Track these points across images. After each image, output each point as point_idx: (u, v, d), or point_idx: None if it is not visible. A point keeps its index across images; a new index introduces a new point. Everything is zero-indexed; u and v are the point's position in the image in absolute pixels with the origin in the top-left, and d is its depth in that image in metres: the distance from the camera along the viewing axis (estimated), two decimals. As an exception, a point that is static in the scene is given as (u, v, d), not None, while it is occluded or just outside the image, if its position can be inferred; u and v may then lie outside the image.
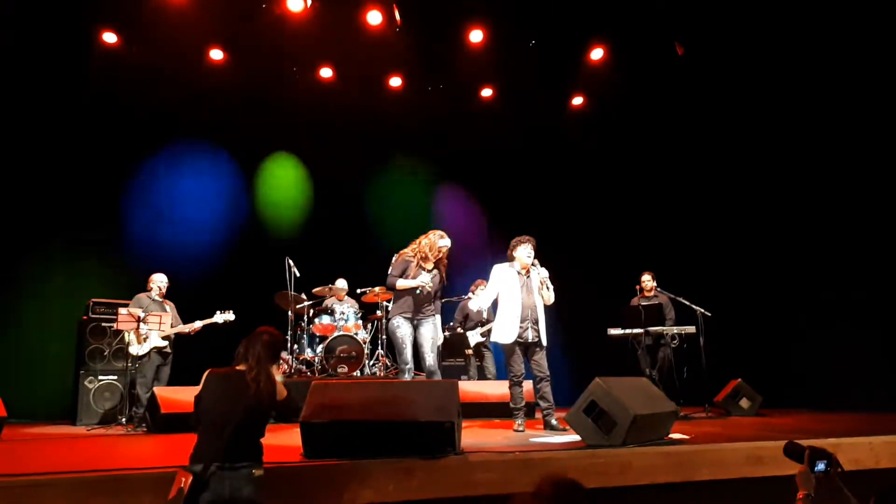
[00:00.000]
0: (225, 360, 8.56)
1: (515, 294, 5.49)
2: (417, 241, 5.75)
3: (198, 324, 6.97)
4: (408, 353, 5.45)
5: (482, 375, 8.07)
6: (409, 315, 5.52)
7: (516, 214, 10.34)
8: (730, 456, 3.92)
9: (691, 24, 8.64)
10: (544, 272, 5.51)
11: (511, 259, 5.61)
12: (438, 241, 5.67)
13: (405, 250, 5.74)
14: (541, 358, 5.45)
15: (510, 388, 5.54)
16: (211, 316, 7.04)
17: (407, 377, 5.43)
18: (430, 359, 5.54)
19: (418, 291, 5.51)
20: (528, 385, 5.72)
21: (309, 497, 3.27)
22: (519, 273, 5.56)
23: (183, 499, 2.63)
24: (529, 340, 5.44)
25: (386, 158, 10.45)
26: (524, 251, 5.53)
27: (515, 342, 5.43)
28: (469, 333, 8.09)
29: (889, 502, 1.84)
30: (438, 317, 5.75)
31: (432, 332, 5.61)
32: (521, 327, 5.42)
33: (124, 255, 8.63)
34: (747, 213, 8.71)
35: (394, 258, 5.79)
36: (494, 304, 5.76)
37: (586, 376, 4.28)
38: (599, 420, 3.99)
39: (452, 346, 8.26)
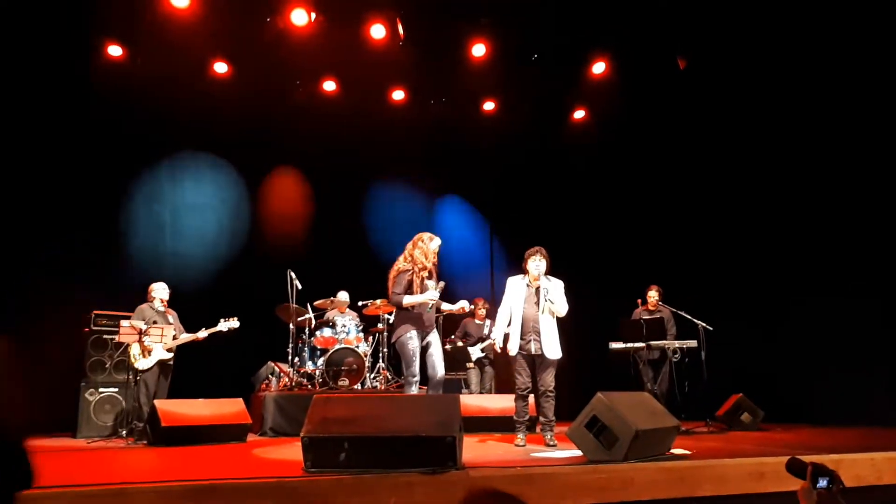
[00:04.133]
0: (224, 372, 8.60)
1: (520, 306, 5.50)
2: (408, 251, 5.62)
3: (202, 333, 6.97)
4: (416, 365, 5.42)
5: (482, 390, 8.08)
6: (418, 327, 5.48)
7: (518, 228, 10.37)
8: (732, 471, 3.91)
9: (693, 38, 8.69)
10: (550, 285, 5.52)
11: (525, 271, 5.63)
12: (430, 244, 5.59)
13: (399, 265, 5.60)
14: (547, 373, 5.43)
15: (514, 400, 5.55)
16: (215, 324, 7.05)
17: (413, 389, 5.42)
18: (442, 370, 5.55)
19: (430, 308, 5.49)
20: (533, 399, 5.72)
21: (310, 511, 3.26)
22: (528, 285, 5.57)
23: None
24: (533, 352, 5.42)
25: (388, 171, 10.48)
26: (532, 263, 5.53)
27: (519, 353, 5.44)
28: (470, 349, 8.10)
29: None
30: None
31: (440, 343, 5.65)
32: (523, 339, 5.43)
33: (127, 267, 8.64)
34: (750, 227, 8.71)
35: (391, 275, 5.63)
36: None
37: (588, 391, 4.28)
38: (601, 435, 3.98)
39: (454, 360, 8.25)
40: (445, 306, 5.68)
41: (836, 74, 7.64)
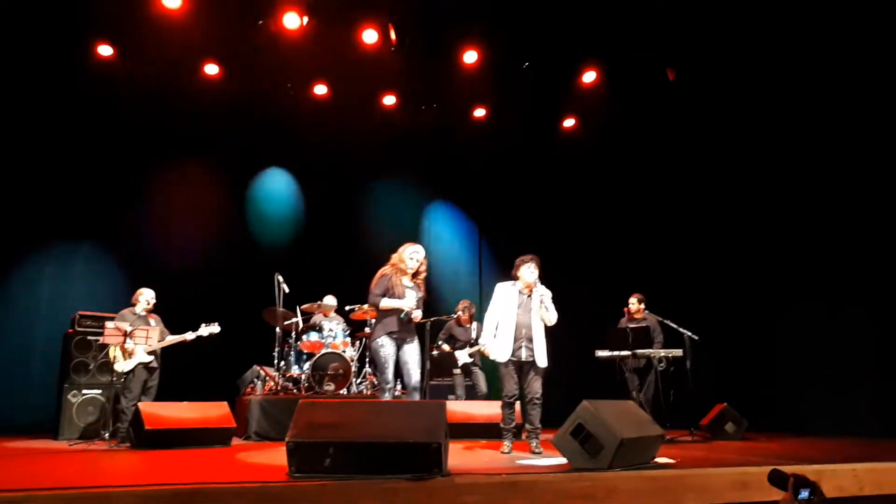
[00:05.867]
0: (209, 375, 8.54)
1: (512, 313, 5.50)
2: (391, 258, 5.67)
3: (190, 335, 6.91)
4: (390, 372, 5.36)
5: (471, 395, 8.05)
6: (393, 334, 5.41)
7: (507, 234, 10.39)
8: (715, 481, 3.92)
9: (683, 48, 8.77)
10: (545, 292, 5.53)
11: (515, 278, 5.64)
12: (405, 250, 5.56)
13: (384, 269, 5.62)
14: (535, 380, 5.44)
15: (501, 407, 5.55)
16: (196, 329, 6.99)
17: (387, 396, 5.38)
18: (416, 376, 5.46)
19: (402, 315, 5.40)
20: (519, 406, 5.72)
21: (293, 517, 3.24)
22: (520, 292, 5.58)
23: None
24: (523, 359, 5.43)
25: (378, 176, 10.48)
26: (527, 270, 5.54)
27: (509, 360, 5.44)
28: (457, 353, 8.08)
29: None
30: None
31: (417, 350, 5.54)
32: (514, 346, 5.43)
33: (113, 267, 8.59)
34: (737, 236, 8.78)
35: (375, 277, 5.71)
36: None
37: (574, 398, 4.29)
38: (586, 443, 3.99)
39: (440, 365, 8.23)
40: (416, 314, 5.50)
41: (822, 89, 7.72)
